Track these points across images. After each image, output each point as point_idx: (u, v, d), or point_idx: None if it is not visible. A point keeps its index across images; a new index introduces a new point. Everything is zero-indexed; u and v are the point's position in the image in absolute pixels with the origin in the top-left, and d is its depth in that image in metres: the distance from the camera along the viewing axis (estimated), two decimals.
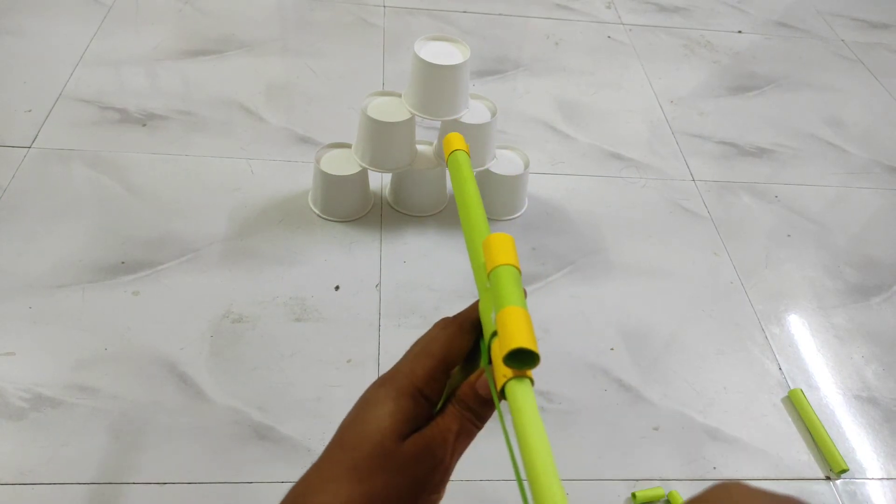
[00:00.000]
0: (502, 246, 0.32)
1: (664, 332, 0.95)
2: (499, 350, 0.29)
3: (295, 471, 0.73)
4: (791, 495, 0.23)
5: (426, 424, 0.31)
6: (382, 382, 0.32)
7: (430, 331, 0.34)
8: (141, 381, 0.80)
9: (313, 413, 0.79)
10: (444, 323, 0.33)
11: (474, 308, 0.34)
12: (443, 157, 1.05)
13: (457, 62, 0.89)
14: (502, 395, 0.29)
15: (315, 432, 0.78)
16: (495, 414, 0.32)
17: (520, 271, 0.32)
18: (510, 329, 0.28)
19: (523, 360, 0.28)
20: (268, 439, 0.77)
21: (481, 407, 0.32)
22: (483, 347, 0.32)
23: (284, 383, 0.82)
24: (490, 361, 0.31)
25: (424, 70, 0.89)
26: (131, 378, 0.80)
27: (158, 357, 0.82)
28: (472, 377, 0.32)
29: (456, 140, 0.40)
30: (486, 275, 0.32)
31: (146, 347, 0.83)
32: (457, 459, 0.32)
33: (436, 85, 0.91)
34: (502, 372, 0.28)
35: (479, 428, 0.32)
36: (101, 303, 0.87)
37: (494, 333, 0.30)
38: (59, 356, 0.81)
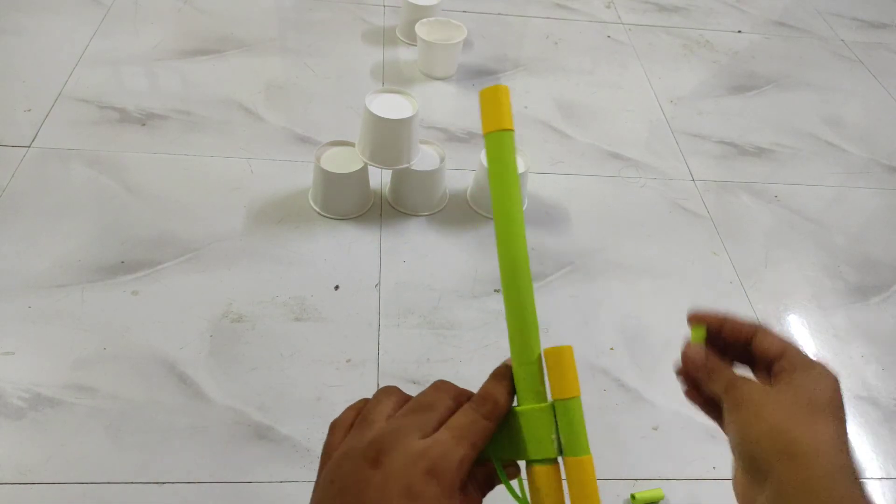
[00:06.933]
0: (569, 367, 0.32)
1: (664, 332, 0.95)
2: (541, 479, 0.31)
3: (295, 471, 0.72)
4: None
5: None
6: (428, 472, 0.28)
7: (465, 411, 0.32)
8: (140, 381, 0.80)
9: (313, 413, 0.79)
10: (483, 406, 0.32)
11: (506, 394, 0.33)
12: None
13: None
14: None
15: (315, 432, 0.78)
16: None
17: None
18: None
19: None
20: (267, 439, 0.77)
21: None
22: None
23: (284, 383, 0.82)
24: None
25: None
26: (130, 378, 0.80)
27: (158, 357, 0.82)
28: None
29: (505, 110, 0.29)
30: (533, 362, 0.34)
31: (145, 347, 0.83)
32: None
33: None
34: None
35: None
36: (100, 303, 0.87)
37: (534, 462, 0.31)
38: (58, 356, 0.81)
